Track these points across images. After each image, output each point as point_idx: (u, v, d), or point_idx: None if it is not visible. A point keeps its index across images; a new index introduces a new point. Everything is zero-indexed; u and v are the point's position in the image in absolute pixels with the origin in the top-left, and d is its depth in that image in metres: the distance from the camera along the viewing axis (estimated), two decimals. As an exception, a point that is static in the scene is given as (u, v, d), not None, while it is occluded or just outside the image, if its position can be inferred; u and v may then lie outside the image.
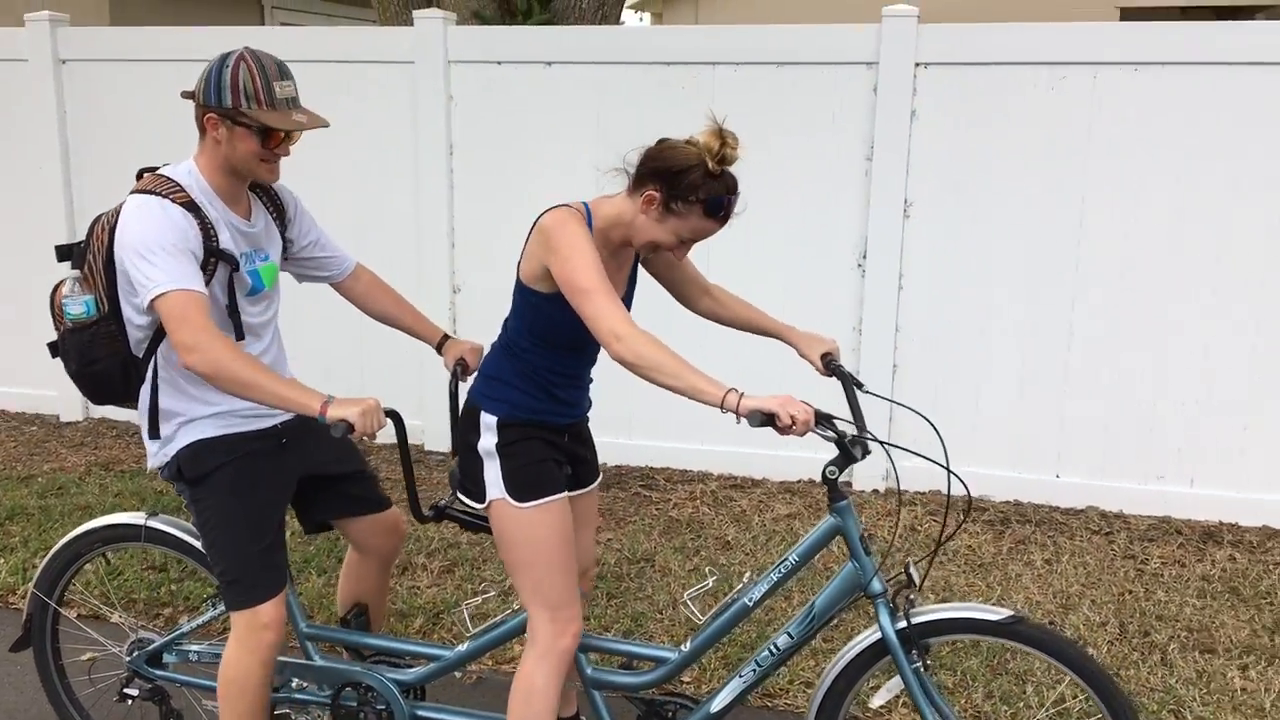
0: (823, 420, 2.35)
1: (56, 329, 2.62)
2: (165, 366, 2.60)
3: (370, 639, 2.90)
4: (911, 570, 2.48)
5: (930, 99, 5.02)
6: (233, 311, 2.59)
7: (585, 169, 5.41)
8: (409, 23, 5.79)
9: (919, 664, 2.43)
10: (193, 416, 2.61)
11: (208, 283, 2.48)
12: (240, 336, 2.60)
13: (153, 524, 2.92)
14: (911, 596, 2.45)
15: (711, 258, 5.25)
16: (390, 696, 2.79)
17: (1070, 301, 5.03)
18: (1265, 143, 4.73)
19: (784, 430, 2.21)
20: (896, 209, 5.09)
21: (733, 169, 2.41)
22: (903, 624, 2.42)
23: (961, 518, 2.83)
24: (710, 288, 2.89)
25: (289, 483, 2.76)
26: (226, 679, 2.61)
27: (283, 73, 2.50)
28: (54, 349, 2.67)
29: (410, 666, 2.87)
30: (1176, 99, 4.77)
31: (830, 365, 2.76)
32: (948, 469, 2.43)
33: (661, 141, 2.45)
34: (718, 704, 2.60)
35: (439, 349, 2.98)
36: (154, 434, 2.64)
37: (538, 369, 2.57)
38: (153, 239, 2.38)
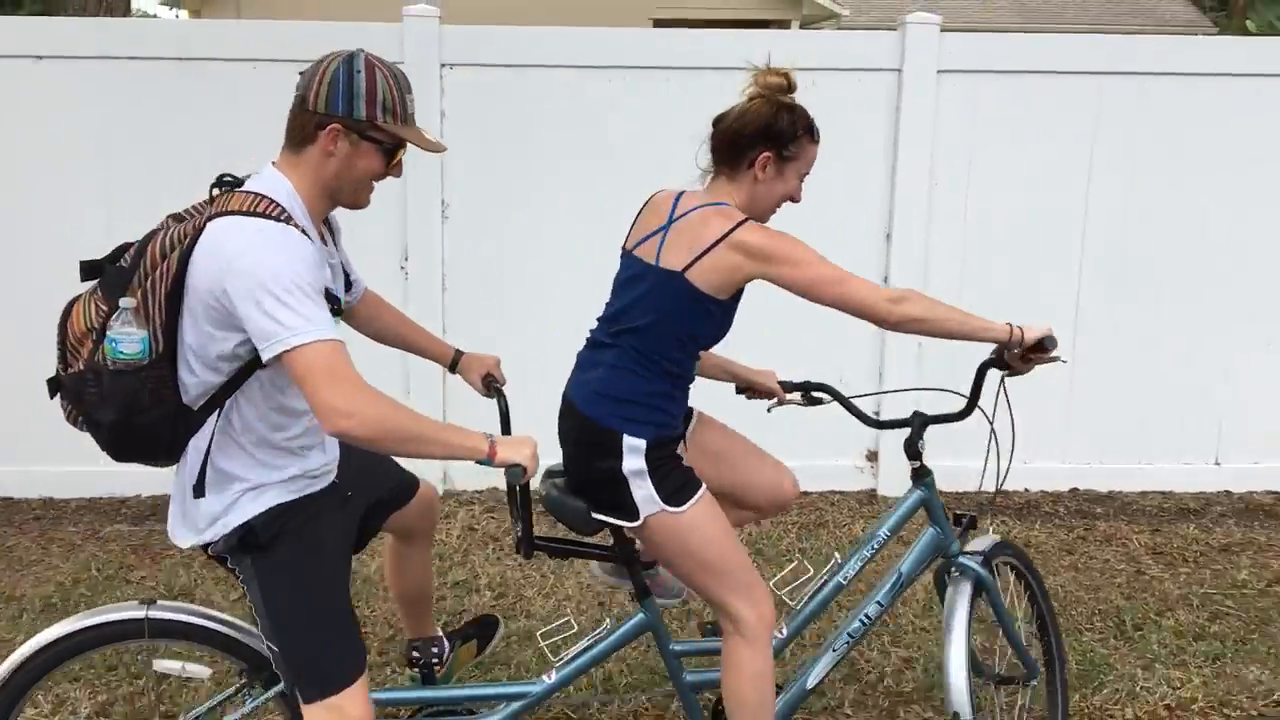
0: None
1: (64, 362, 2.12)
2: (232, 427, 2.17)
3: (447, 690, 2.60)
4: (975, 518, 2.82)
5: (459, 100, 4.98)
6: None
7: (87, 171, 4.90)
8: None
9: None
10: (261, 483, 2.20)
11: None
12: None
13: (156, 614, 2.37)
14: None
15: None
16: None
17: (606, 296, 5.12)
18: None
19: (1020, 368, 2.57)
20: (434, 212, 5.01)
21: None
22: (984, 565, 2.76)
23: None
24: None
25: (352, 531, 2.50)
26: None
27: (409, 84, 2.22)
28: (54, 387, 2.14)
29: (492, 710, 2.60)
30: (700, 102, 5.02)
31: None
32: (991, 423, 2.73)
33: (736, 114, 2.52)
34: (813, 679, 2.66)
35: (453, 368, 2.82)
36: (200, 492, 2.18)
37: (681, 373, 2.57)
38: (289, 275, 1.95)
